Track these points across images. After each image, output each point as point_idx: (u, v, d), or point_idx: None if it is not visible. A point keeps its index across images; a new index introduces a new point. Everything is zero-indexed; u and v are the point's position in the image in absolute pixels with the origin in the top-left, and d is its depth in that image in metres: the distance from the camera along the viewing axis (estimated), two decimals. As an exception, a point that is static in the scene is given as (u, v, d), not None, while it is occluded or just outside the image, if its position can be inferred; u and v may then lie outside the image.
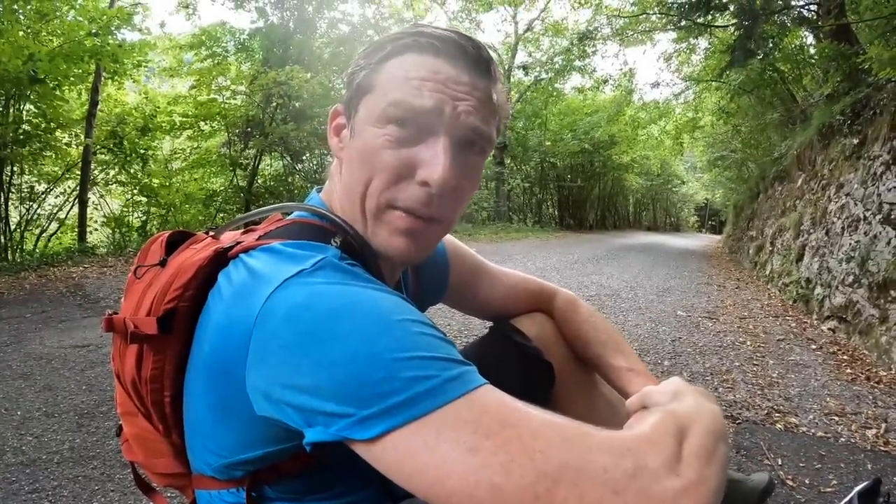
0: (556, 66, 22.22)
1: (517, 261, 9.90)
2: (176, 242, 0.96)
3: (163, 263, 0.90)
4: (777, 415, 3.08)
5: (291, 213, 0.94)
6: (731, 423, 2.92)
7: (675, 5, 9.92)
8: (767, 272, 8.48)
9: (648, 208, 41.23)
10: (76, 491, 2.10)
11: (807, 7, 8.54)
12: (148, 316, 0.83)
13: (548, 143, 25.17)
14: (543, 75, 22.84)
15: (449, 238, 1.24)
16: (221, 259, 0.82)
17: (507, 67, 23.16)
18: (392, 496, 0.89)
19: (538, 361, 1.23)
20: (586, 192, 28.78)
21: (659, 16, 13.89)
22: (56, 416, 2.78)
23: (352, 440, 0.62)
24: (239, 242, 0.85)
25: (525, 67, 23.21)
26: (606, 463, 0.56)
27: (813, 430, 2.89)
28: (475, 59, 0.82)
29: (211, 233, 0.97)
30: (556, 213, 28.48)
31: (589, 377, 1.33)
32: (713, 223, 46.79)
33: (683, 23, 10.92)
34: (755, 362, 4.09)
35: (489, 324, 1.39)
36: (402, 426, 0.59)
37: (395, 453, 0.60)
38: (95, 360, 3.65)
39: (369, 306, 0.67)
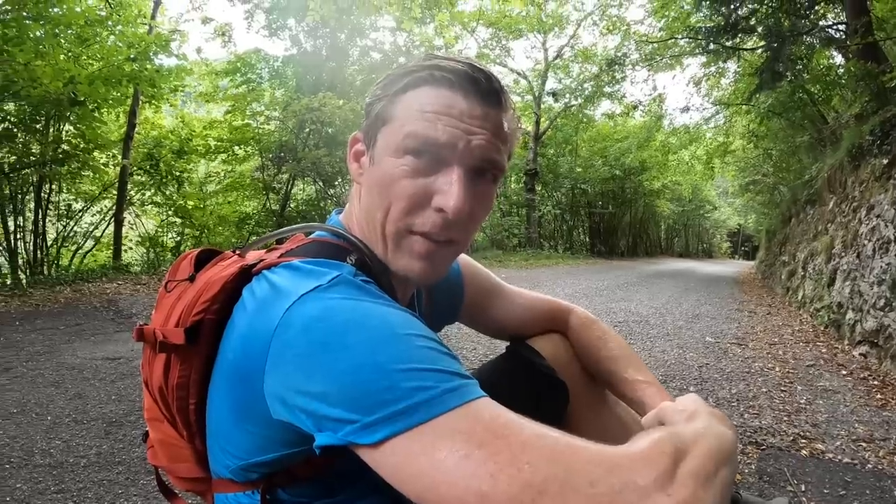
0: (586, 92, 22.16)
1: (546, 287, 9.86)
2: (204, 259, 1.02)
3: (192, 279, 0.96)
4: (803, 441, 3.01)
5: (313, 232, 1.00)
6: (756, 449, 2.87)
7: (703, 29, 9.92)
8: (799, 297, 8.34)
9: (680, 234, 40.73)
10: (100, 494, 2.15)
11: (834, 27, 8.48)
12: (176, 327, 0.88)
13: (578, 170, 24.99)
14: (573, 102, 22.80)
15: (465, 259, 1.29)
16: (246, 275, 0.87)
17: (537, 94, 23.13)
18: (400, 502, 0.92)
19: (552, 380, 1.25)
20: (617, 219, 28.51)
21: (687, 40, 13.90)
22: (85, 423, 2.85)
23: (356, 445, 0.65)
24: (262, 260, 0.89)
25: (555, 94, 23.17)
26: (594, 477, 0.57)
27: (839, 457, 2.82)
28: (487, 90, 0.86)
29: (237, 251, 1.03)
30: (588, 239, 28.13)
31: (602, 397, 1.34)
32: (746, 249, 46.04)
33: (711, 47, 10.90)
34: (783, 388, 4.01)
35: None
36: (402, 433, 0.62)
37: (394, 458, 0.63)
38: (125, 372, 3.73)
39: (378, 320, 0.71)
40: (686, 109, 18.69)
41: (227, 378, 0.82)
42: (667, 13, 15.72)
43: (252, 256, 0.96)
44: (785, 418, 3.37)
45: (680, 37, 14.68)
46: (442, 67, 0.86)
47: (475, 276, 1.31)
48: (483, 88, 0.86)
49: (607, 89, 21.57)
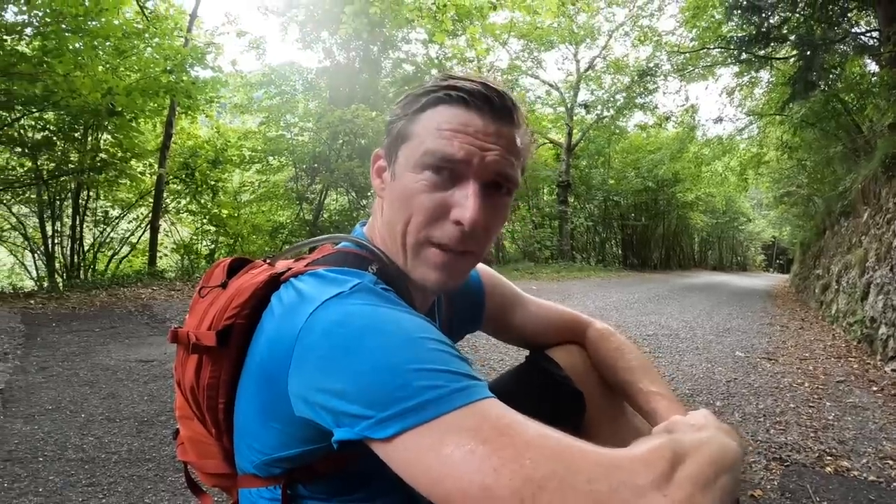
0: (618, 103, 21.98)
1: (576, 299, 9.82)
2: (237, 267, 1.08)
3: (224, 285, 1.01)
4: (828, 458, 2.97)
5: (339, 243, 1.05)
6: (779, 465, 2.84)
7: (735, 39, 9.82)
8: (833, 312, 8.20)
9: (714, 247, 40.03)
10: (129, 488, 2.22)
11: (867, 34, 8.34)
12: (209, 330, 0.93)
13: (611, 182, 24.75)
14: (605, 113, 22.63)
15: (486, 270, 1.34)
16: (275, 283, 0.92)
17: (569, 106, 22.99)
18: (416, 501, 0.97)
19: (569, 390, 1.28)
20: (650, 231, 28.15)
21: (719, 50, 13.77)
22: (117, 422, 2.93)
23: (371, 439, 0.69)
24: (290, 268, 0.94)
25: (586, 106, 22.98)
26: (592, 475, 0.59)
27: (865, 475, 2.78)
28: (500, 108, 0.91)
29: (268, 260, 1.07)
30: (620, 252, 27.79)
31: (619, 408, 1.35)
32: (781, 262, 45.15)
33: (744, 56, 10.79)
34: (811, 404, 3.95)
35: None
36: (413, 428, 0.66)
37: (405, 453, 0.66)
38: (158, 374, 3.82)
39: (393, 325, 0.75)
40: (719, 120, 18.53)
41: (254, 379, 0.88)
42: (698, 23, 15.60)
43: (281, 265, 1.01)
44: (811, 434, 3.32)
45: (712, 46, 14.57)
46: (457, 87, 0.90)
47: (495, 287, 1.35)
48: (496, 106, 0.90)
49: (639, 100, 21.37)
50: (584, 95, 23.71)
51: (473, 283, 1.30)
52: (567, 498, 0.58)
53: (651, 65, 19.27)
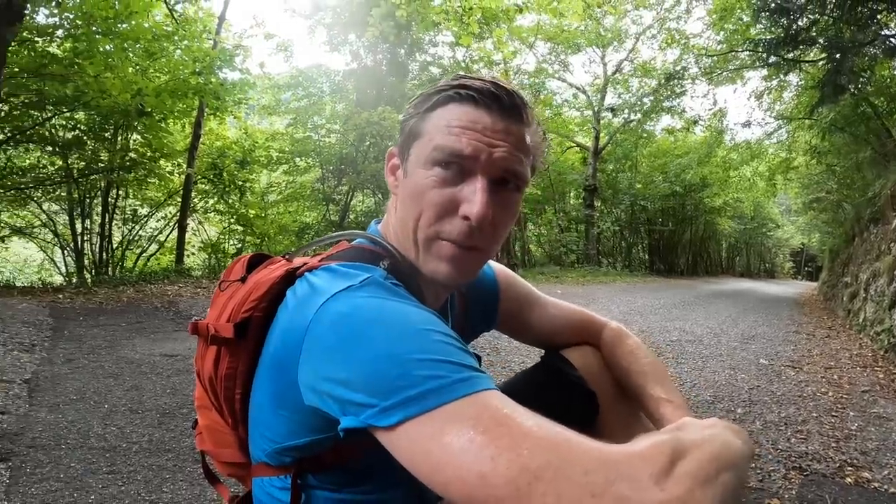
0: (645, 106, 21.64)
1: (601, 304, 9.76)
2: (256, 263, 1.12)
3: (243, 280, 1.05)
4: (849, 469, 2.92)
5: (354, 239, 1.08)
6: (799, 474, 2.79)
7: (763, 41, 9.70)
8: (860, 320, 8.07)
9: (742, 253, 39.39)
10: (149, 477, 2.27)
11: (898, 36, 8.18)
12: (227, 322, 0.97)
13: (638, 186, 24.44)
14: (633, 117, 22.32)
15: (501, 269, 1.36)
16: (291, 277, 0.95)
17: (596, 109, 22.83)
18: (423, 499, 0.99)
19: (582, 390, 1.29)
20: (677, 237, 27.72)
21: (748, 53, 13.61)
22: (139, 413, 2.99)
23: (375, 427, 0.70)
24: (305, 264, 0.97)
25: (613, 109, 22.72)
26: (589, 467, 0.59)
27: (886, 486, 2.73)
28: (509, 106, 0.93)
29: (286, 256, 1.11)
30: (647, 257, 27.44)
31: (632, 410, 1.35)
32: (810, 269, 44.42)
33: (772, 59, 10.65)
34: (834, 414, 3.89)
35: None
36: (414, 417, 0.67)
37: (407, 441, 0.68)
38: (181, 368, 3.88)
39: (399, 316, 0.78)
40: (748, 124, 18.19)
41: (268, 369, 0.91)
42: (726, 26, 15.46)
43: (298, 261, 1.04)
44: (833, 444, 3.27)
45: (740, 49, 14.41)
46: (467, 86, 0.93)
47: (511, 286, 1.36)
48: (505, 105, 0.93)
49: (667, 104, 21.05)
50: (611, 99, 23.45)
51: (489, 282, 1.32)
52: (562, 488, 0.58)
53: (678, 68, 19.04)
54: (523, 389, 1.28)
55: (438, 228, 0.94)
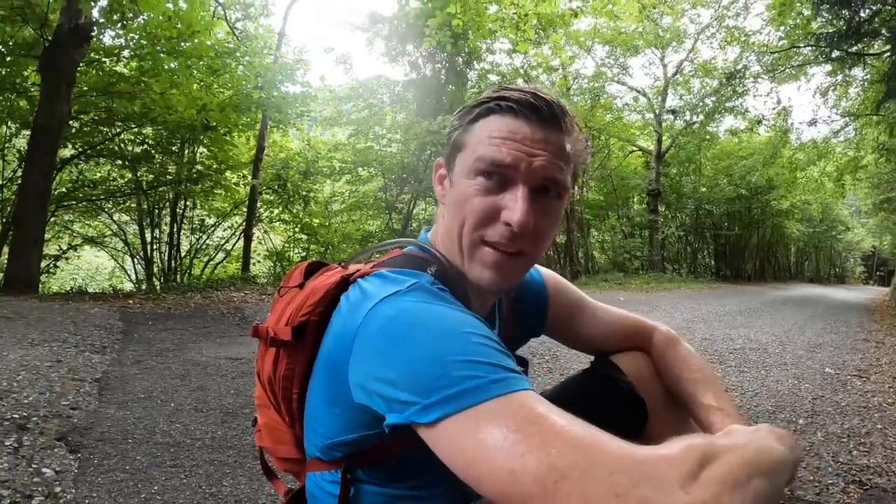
0: (707, 107, 21.08)
1: (664, 311, 9.58)
2: (313, 270, 1.18)
3: (301, 286, 1.11)
4: (912, 484, 2.81)
5: (406, 247, 1.14)
6: (858, 488, 2.68)
7: (825, 35, 9.36)
8: (935, 325, 7.70)
9: (811, 258, 38.04)
10: (210, 472, 2.36)
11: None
12: (285, 326, 1.03)
13: (703, 189, 23.85)
14: (694, 118, 21.71)
15: (551, 275, 1.39)
16: (345, 283, 1.00)
17: (657, 112, 22.35)
18: (465, 495, 1.02)
19: (631, 397, 1.30)
20: (744, 241, 26.87)
21: (810, 48, 13.18)
22: (204, 412, 3.10)
23: (417, 424, 0.74)
24: (358, 270, 1.03)
25: (674, 111, 22.20)
26: (614, 468, 0.61)
27: (949, 504, 2.61)
28: (548, 116, 0.97)
29: (341, 263, 1.18)
30: (713, 263, 26.69)
31: (683, 417, 1.35)
32: (881, 273, 42.52)
33: (835, 54, 10.29)
34: (900, 426, 3.74)
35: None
36: (452, 414, 0.71)
37: (446, 437, 0.72)
38: (245, 371, 4.00)
39: (441, 320, 0.83)
40: (813, 122, 17.51)
41: (322, 369, 0.97)
42: (785, 21, 14.98)
43: (353, 268, 1.10)
44: (897, 458, 3.15)
45: (801, 45, 13.97)
46: (507, 98, 0.98)
47: (559, 292, 1.38)
48: (544, 115, 0.97)
49: (729, 104, 20.46)
50: (672, 101, 22.92)
51: (537, 287, 1.34)
52: (587, 487, 0.60)
53: (739, 66, 18.59)
54: (572, 395, 1.32)
55: (481, 233, 0.98)
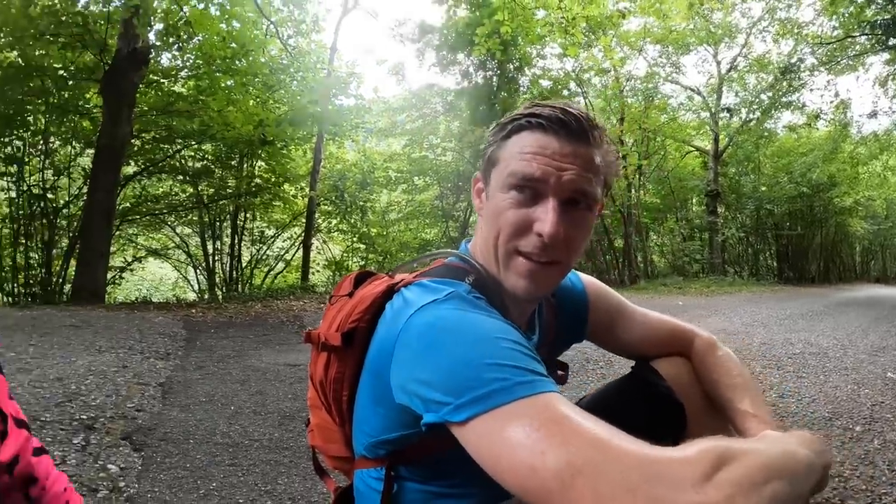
0: (763, 104, 20.43)
1: (722, 315, 9.33)
2: (362, 279, 1.25)
3: (350, 294, 1.16)
4: (971, 496, 2.66)
5: (448, 258, 1.19)
6: None
7: (880, 23, 9.00)
8: None
9: (877, 257, 36.27)
10: (266, 471, 2.47)
11: None
12: (335, 332, 1.09)
13: (763, 189, 22.91)
14: (751, 115, 21.03)
15: (591, 281, 1.42)
16: (390, 292, 1.06)
17: (713, 110, 21.70)
18: (498, 496, 1.04)
19: (669, 402, 1.32)
20: (807, 241, 25.79)
21: (866, 37, 12.67)
22: (262, 415, 3.22)
23: (451, 422, 0.79)
24: (403, 279, 1.09)
25: (729, 109, 21.59)
26: (628, 466, 0.64)
27: None
28: (577, 131, 1.01)
29: (389, 273, 1.25)
30: (775, 264, 25.79)
31: (722, 422, 1.34)
32: (954, 272, 40.19)
33: (892, 41, 9.86)
34: (964, 435, 3.54)
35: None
36: (481, 414, 0.76)
37: (475, 435, 0.77)
38: (303, 376, 4.11)
39: (475, 326, 0.88)
40: (874, 114, 16.74)
41: (369, 373, 1.05)
42: (838, 10, 14.41)
43: (398, 277, 1.17)
44: (957, 469, 2.98)
45: (857, 34, 13.44)
46: (537, 114, 1.03)
47: (599, 298, 1.41)
48: (573, 129, 1.01)
49: (785, 99, 19.73)
50: (728, 98, 22.12)
51: (578, 294, 1.37)
52: (600, 483, 0.63)
53: (793, 60, 17.97)
54: (613, 399, 1.36)
55: (515, 244, 1.03)
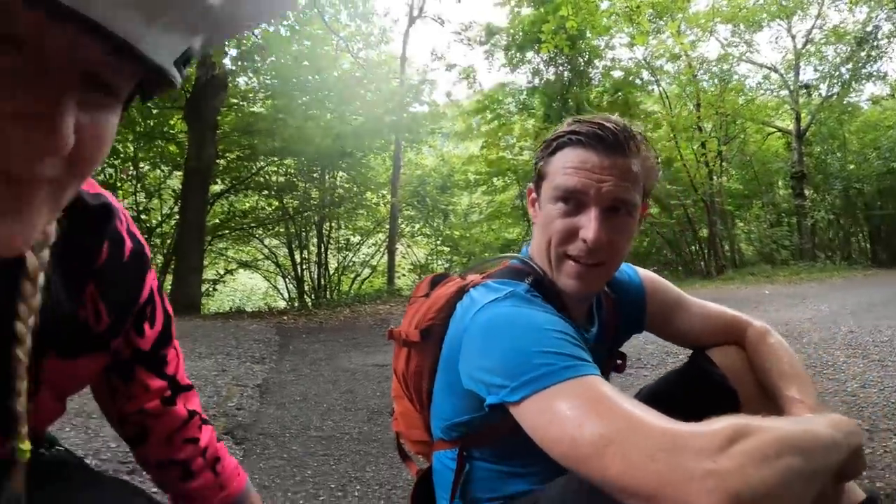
0: (843, 77, 19.13)
1: (809, 303, 8.71)
2: (438, 281, 1.37)
3: (427, 295, 1.32)
4: None
5: (511, 261, 1.33)
6: None
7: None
8: None
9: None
10: (355, 460, 2.70)
11: None
12: (415, 329, 1.26)
13: (850, 167, 21.24)
14: (831, 90, 19.53)
15: (648, 275, 1.50)
16: (461, 293, 1.21)
17: (791, 88, 20.11)
18: (558, 473, 1.18)
19: (723, 388, 1.36)
20: (902, 220, 24.08)
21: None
22: (352, 411, 3.46)
23: (508, 403, 0.93)
24: (472, 281, 1.24)
25: (807, 86, 20.00)
26: (654, 437, 0.74)
27: None
28: (613, 144, 1.13)
29: (461, 275, 1.35)
30: (868, 246, 23.54)
31: (775, 409, 1.37)
32: None
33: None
34: None
35: None
36: (532, 395, 0.89)
37: (528, 414, 0.90)
38: (390, 375, 4.22)
39: (528, 320, 1.02)
40: (961, 78, 15.48)
41: (443, 364, 1.21)
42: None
43: (469, 278, 1.27)
44: None
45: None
46: (576, 131, 1.15)
47: (657, 290, 1.48)
48: (609, 143, 1.13)
49: (865, 70, 18.44)
50: (807, 74, 20.64)
51: (635, 288, 1.46)
52: (628, 450, 0.74)
53: (869, 28, 16.92)
54: (670, 388, 1.46)
55: (564, 249, 1.17)
